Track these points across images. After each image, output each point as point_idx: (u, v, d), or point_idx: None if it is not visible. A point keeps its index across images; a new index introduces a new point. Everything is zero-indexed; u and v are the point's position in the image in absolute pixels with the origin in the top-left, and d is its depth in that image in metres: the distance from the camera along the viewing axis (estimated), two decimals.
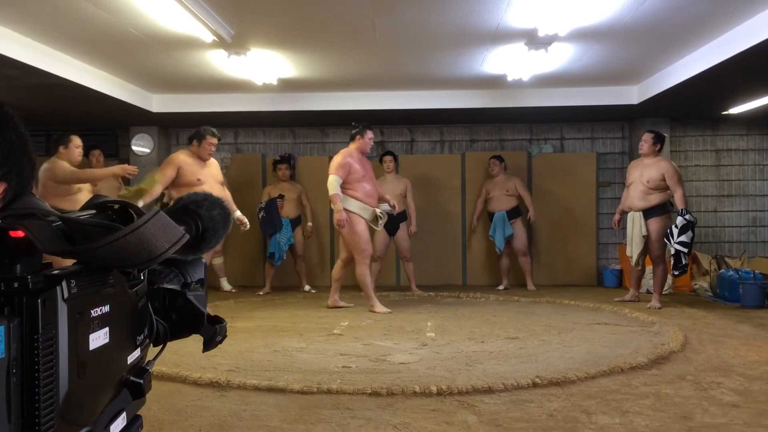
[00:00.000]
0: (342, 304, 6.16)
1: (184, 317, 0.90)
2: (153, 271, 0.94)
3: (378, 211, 5.88)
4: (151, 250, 0.69)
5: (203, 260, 1.02)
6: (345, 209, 5.71)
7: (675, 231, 5.82)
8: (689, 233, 5.78)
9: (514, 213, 7.39)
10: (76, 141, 5.43)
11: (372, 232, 7.00)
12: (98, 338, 0.68)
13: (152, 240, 0.69)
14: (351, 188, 5.80)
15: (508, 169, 7.58)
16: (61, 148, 5.37)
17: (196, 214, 0.91)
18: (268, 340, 4.59)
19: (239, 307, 5.69)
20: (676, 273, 5.95)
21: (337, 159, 5.84)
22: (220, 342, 0.98)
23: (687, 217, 5.81)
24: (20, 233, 0.64)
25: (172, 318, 0.90)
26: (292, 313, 5.94)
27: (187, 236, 0.76)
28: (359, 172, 5.81)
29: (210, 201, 0.95)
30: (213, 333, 0.94)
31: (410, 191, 7.19)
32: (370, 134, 5.99)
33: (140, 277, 0.85)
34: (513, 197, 7.40)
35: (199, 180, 5.30)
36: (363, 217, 5.83)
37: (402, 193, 7.14)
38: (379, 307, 5.85)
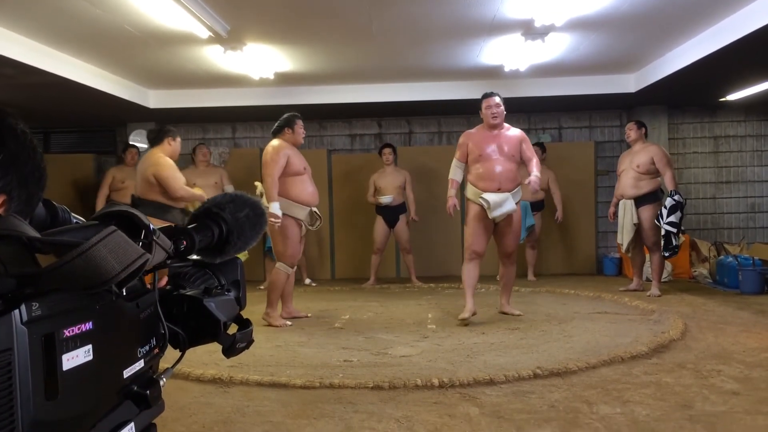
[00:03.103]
0: (510, 310, 5.22)
1: (202, 325, 0.87)
2: (181, 274, 0.91)
3: (483, 196, 4.80)
4: (101, 273, 0.64)
5: (239, 261, 1.00)
6: (453, 197, 5.00)
7: (665, 212, 5.88)
8: (678, 213, 5.85)
9: (538, 206, 7.32)
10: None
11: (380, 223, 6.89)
12: (77, 357, 0.66)
13: (101, 263, 0.64)
14: (467, 171, 5.01)
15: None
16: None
17: (219, 216, 0.90)
18: (269, 335, 4.61)
19: None
20: (667, 254, 5.97)
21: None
22: (246, 348, 0.93)
23: (676, 197, 5.87)
24: None
25: (191, 325, 0.87)
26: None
27: (147, 256, 0.69)
28: (475, 151, 4.90)
29: (237, 202, 0.93)
30: (231, 341, 0.91)
31: (409, 183, 7.16)
32: (487, 102, 4.92)
33: (144, 286, 0.82)
34: (542, 190, 7.23)
35: (305, 169, 4.96)
36: (476, 203, 4.88)
37: (401, 185, 7.13)
38: (466, 311, 4.88)
